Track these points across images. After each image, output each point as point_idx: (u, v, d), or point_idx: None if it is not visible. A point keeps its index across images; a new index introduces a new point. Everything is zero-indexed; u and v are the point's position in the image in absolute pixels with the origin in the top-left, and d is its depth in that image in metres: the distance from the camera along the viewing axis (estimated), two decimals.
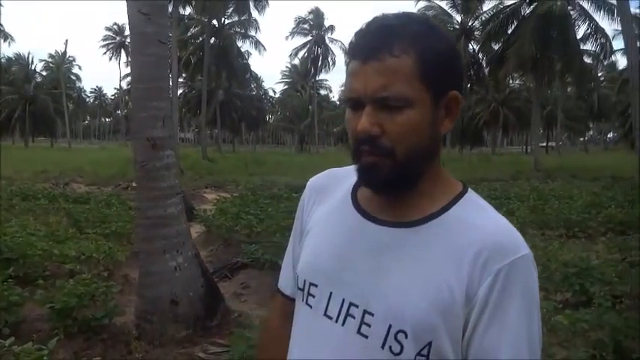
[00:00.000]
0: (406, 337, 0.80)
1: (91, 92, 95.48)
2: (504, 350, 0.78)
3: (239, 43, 38.31)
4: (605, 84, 53.30)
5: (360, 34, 0.84)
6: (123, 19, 74.99)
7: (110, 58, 70.70)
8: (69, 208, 8.59)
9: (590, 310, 3.65)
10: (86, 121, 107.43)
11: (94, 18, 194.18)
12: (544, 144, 52.64)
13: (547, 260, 4.98)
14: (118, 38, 69.77)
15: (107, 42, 70.54)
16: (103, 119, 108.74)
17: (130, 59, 5.02)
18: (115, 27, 69.89)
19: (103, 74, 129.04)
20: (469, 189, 0.90)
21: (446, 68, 0.83)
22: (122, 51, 68.58)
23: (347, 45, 0.90)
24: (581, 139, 77.17)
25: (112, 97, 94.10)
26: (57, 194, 11.04)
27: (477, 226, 0.83)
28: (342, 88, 0.93)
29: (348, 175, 0.98)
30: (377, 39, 0.81)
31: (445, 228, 0.84)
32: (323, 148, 71.01)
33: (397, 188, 0.85)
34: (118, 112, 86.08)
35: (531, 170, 21.96)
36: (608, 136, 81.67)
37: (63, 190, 12.82)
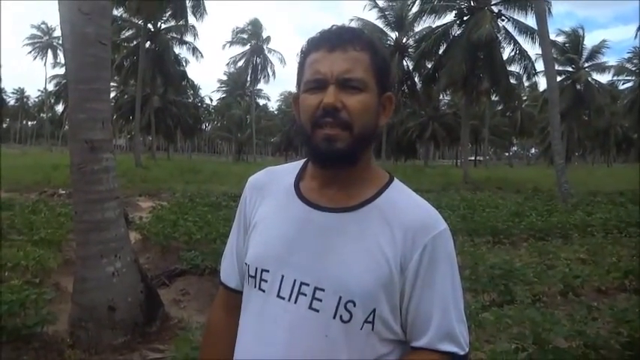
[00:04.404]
0: (355, 305, 0.92)
1: (12, 93, 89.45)
2: (436, 308, 0.95)
3: (176, 49, 37.47)
4: (529, 102, 56.91)
5: (324, 33, 1.00)
6: (49, 18, 71.16)
7: (35, 58, 66.79)
8: None
9: (513, 307, 3.95)
10: (5, 124, 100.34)
11: (19, 16, 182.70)
12: (472, 158, 55.33)
13: (475, 264, 5.30)
14: (45, 38, 66.08)
15: (33, 41, 66.58)
16: (25, 122, 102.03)
17: (65, 60, 4.85)
18: (44, 26, 66.18)
19: (26, 75, 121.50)
20: (395, 178, 1.05)
21: (387, 72, 1.01)
22: (49, 51, 65.03)
23: (295, 51, 1.05)
24: (506, 154, 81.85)
25: (36, 99, 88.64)
26: None
27: (405, 208, 0.98)
28: (298, 79, 1.03)
29: (285, 172, 1.10)
30: (342, 35, 0.97)
31: (380, 210, 0.98)
32: (260, 157, 70.60)
33: (348, 161, 0.97)
34: (43, 115, 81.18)
35: (461, 182, 23.05)
36: (531, 151, 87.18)
37: None
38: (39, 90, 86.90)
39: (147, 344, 3.85)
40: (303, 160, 1.10)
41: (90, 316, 3.81)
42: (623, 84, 44.83)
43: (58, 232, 6.80)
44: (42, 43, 66.22)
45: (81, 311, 3.86)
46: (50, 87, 65.03)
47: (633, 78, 42.15)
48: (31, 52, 66.35)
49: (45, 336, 3.70)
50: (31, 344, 3.55)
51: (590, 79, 38.34)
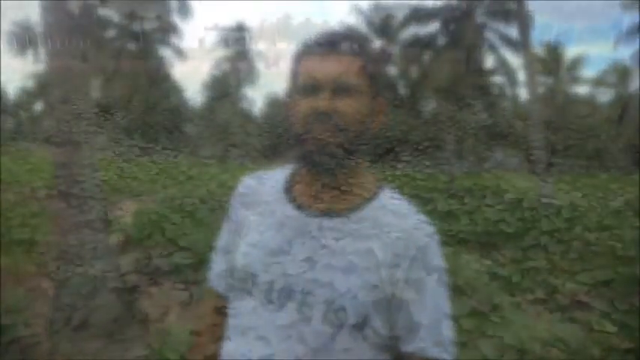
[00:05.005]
0: (345, 312, 0.91)
1: None
2: (426, 314, 0.94)
3: (160, 50, 37.13)
4: (512, 112, 57.61)
5: (318, 37, 0.98)
6: (31, 14, 70.15)
7: (15, 55, 65.60)
8: None
9: (495, 314, 3.97)
10: None
11: None
12: (456, 165, 55.72)
13: (458, 271, 5.31)
14: (26, 35, 65.01)
15: (13, 37, 65.42)
16: (2, 120, 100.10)
17: (47, 57, 4.77)
18: (25, 23, 65.12)
19: (4, 72, 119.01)
20: (385, 184, 1.05)
21: (380, 76, 1.01)
22: (29, 48, 64.01)
23: (291, 53, 1.03)
24: (489, 162, 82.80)
25: (15, 97, 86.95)
26: None
27: (397, 214, 0.98)
28: (291, 84, 1.02)
29: (275, 176, 1.09)
30: (336, 40, 0.97)
31: (371, 216, 0.97)
32: (248, 160, 70.30)
33: (340, 166, 0.96)
34: (22, 112, 79.72)
35: (445, 189, 23.21)
36: (514, 160, 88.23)
37: None
38: (18, 87, 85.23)
39: (127, 349, 3.78)
40: (293, 165, 1.09)
41: (68, 320, 3.73)
42: (603, 96, 45.78)
43: (37, 233, 6.65)
44: (22, 40, 65.16)
45: (59, 315, 3.78)
46: (30, 84, 63.99)
47: (613, 90, 43.12)
48: (10, 49, 65.33)
49: (21, 340, 3.60)
50: (6, 349, 3.45)
51: (570, 90, 39.13)
